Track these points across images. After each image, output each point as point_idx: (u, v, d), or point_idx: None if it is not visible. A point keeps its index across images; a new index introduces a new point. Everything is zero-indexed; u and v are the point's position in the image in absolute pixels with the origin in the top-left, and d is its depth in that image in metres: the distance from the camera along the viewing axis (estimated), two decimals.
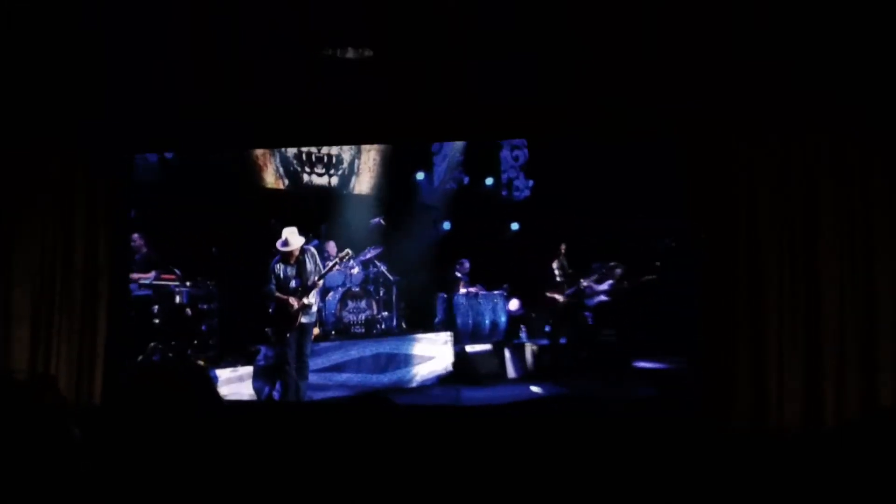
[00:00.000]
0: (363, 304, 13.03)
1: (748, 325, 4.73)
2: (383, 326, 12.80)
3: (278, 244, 9.71)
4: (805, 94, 4.07)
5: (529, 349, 11.56)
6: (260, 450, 3.41)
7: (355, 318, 12.81)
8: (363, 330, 12.42)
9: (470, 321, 13.14)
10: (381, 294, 13.06)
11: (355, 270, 12.61)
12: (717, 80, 4.09)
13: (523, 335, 12.16)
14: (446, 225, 13.29)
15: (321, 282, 10.01)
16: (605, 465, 3.46)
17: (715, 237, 4.24)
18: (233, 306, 12.27)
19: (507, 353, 11.52)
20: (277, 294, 9.74)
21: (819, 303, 4.70)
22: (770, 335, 4.76)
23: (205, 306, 11.92)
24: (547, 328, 12.15)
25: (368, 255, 12.26)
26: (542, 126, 5.04)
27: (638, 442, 3.58)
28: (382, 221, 12.70)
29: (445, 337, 12.16)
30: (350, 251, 10.74)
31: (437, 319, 12.99)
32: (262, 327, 11.83)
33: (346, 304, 12.80)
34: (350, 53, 4.54)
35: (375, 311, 12.78)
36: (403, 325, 13.15)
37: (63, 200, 5.91)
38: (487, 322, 12.94)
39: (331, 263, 10.43)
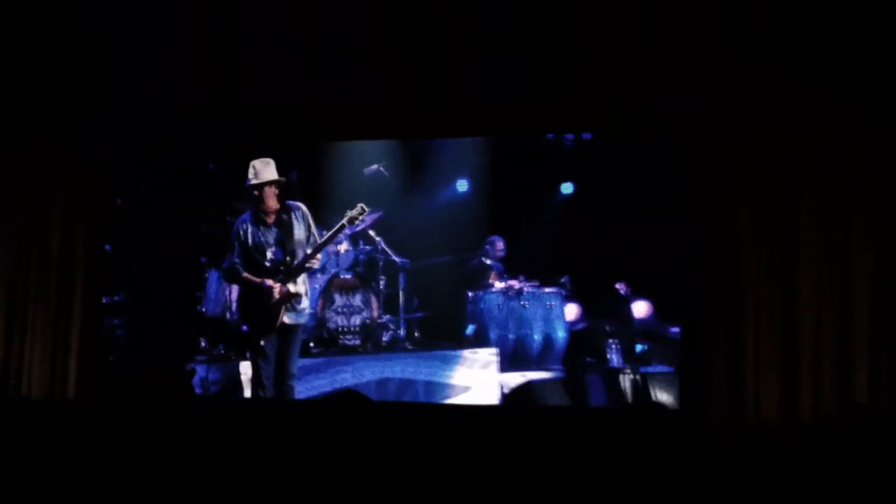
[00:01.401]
0: (357, 299, 11.20)
1: (727, 323, 6.70)
2: (388, 336, 11.30)
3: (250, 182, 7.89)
4: (799, 95, 5.59)
5: (628, 380, 9.70)
6: (241, 448, 5.55)
7: (346, 323, 11.04)
8: (359, 341, 10.99)
9: (510, 334, 11.13)
10: (383, 285, 11.51)
11: (343, 248, 11.20)
12: (715, 80, 5.58)
13: (613, 356, 10.31)
14: (462, 185, 11.90)
15: (319, 257, 8.42)
16: (589, 462, 5.11)
17: (700, 236, 6.69)
18: (152, 302, 10.34)
19: (589, 386, 9.85)
20: (246, 275, 8.07)
21: (796, 301, 6.59)
22: (748, 332, 6.66)
23: (105, 299, 9.23)
24: (640, 347, 10.40)
25: (363, 225, 10.58)
26: (542, 126, 6.94)
27: (621, 438, 5.26)
28: (383, 169, 11.29)
29: (486, 356, 10.53)
30: (364, 207, 8.71)
31: (469, 329, 11.46)
32: (197, 335, 10.36)
33: (333, 300, 11.10)
34: (338, 49, 6.71)
35: (376, 312, 11.15)
36: (417, 335, 11.61)
37: (40, 195, 7.82)
38: (537, 336, 11.01)
39: (334, 228, 8.70)
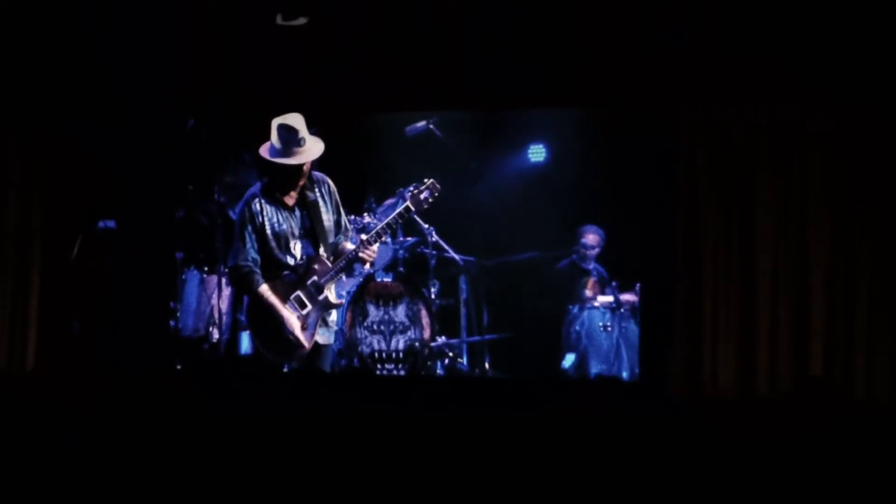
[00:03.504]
0: (400, 313, 10.17)
1: (685, 294, 8.68)
2: (444, 368, 10.52)
3: (266, 152, 7.26)
4: (754, 68, 8.12)
5: None
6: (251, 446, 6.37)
7: (385, 346, 10.05)
8: (404, 372, 10.19)
9: (623, 371, 10.23)
10: (436, 293, 10.76)
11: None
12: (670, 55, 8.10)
13: None
14: (537, 152, 10.46)
15: (375, 249, 7.26)
16: (544, 432, 6.27)
17: (658, 208, 8.87)
18: (103, 315, 9.25)
19: None
20: (264, 291, 7.19)
21: (753, 274, 8.54)
22: (706, 303, 8.66)
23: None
24: None
25: (393, 208, 9.41)
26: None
27: (579, 409, 6.52)
28: (434, 127, 9.91)
29: None
30: (436, 184, 7.43)
31: (567, 359, 10.47)
32: (171, 361, 9.46)
33: (366, 313, 10.20)
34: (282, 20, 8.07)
35: (427, 332, 10.27)
36: (488, 366, 11.01)
37: None
38: None
39: (394, 212, 7.66)
